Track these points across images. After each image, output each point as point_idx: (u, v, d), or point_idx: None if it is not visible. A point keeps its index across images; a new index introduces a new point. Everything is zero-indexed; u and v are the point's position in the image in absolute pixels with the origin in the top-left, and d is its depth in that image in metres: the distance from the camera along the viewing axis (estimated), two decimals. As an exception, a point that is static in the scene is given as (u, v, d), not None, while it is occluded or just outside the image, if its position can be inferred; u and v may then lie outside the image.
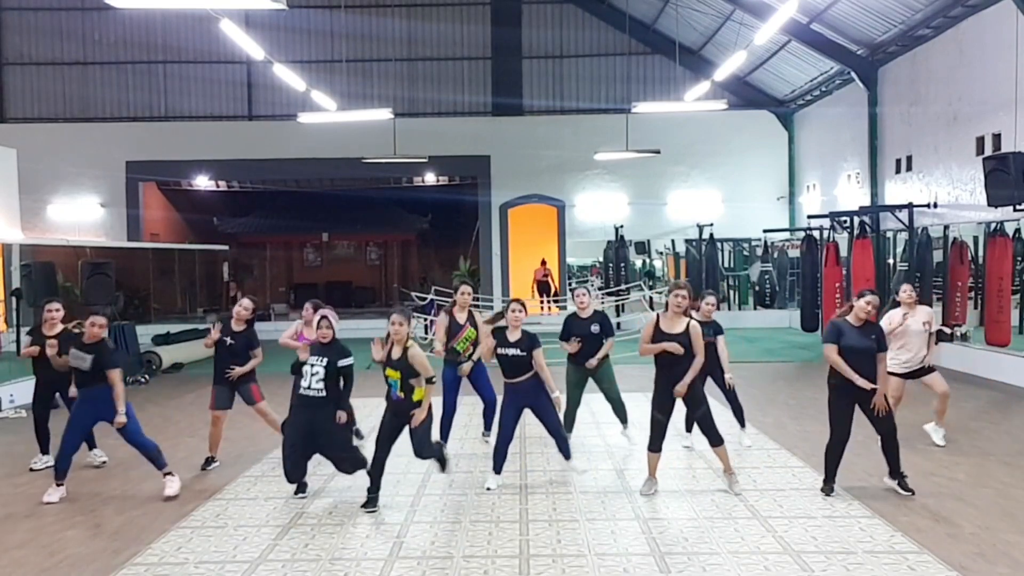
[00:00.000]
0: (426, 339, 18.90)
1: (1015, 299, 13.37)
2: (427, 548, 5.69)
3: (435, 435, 7.10)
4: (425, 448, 6.69)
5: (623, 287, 21.26)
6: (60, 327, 8.10)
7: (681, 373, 6.60)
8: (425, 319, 19.36)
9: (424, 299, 19.45)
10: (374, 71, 24.79)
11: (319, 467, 7.82)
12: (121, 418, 6.90)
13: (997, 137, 13.50)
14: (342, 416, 6.80)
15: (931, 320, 8.16)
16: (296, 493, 6.95)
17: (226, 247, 24.95)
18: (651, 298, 19.55)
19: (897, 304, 8.15)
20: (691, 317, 6.80)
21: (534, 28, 24.85)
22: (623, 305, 21.12)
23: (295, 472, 6.81)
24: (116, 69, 24.98)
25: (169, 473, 7.07)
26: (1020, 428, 9.33)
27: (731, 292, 23.16)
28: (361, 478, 7.01)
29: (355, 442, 7.76)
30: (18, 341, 15.11)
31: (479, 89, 24.96)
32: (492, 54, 24.88)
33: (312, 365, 6.66)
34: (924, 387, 8.24)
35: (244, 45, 14.52)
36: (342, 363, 6.69)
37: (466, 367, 8.08)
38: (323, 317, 6.85)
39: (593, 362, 7.95)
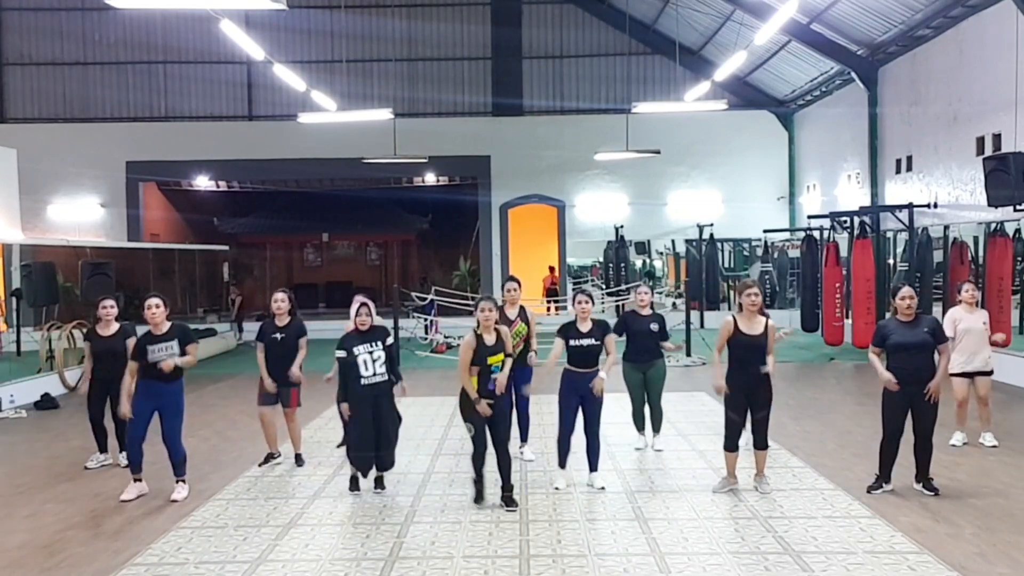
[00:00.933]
0: (426, 339, 18.96)
1: (1015, 299, 13.37)
2: (427, 548, 5.69)
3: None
4: (507, 438, 6.61)
5: (623, 287, 21.25)
6: (116, 326, 7.98)
7: (756, 372, 6.57)
8: (425, 319, 19.36)
9: (424, 299, 19.43)
10: (374, 71, 24.78)
11: (319, 468, 7.86)
12: (169, 362, 6.78)
13: (997, 137, 13.50)
14: (404, 388, 6.93)
15: (988, 321, 8.30)
16: (376, 488, 6.98)
17: (226, 247, 24.93)
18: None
19: (958, 304, 8.27)
20: (765, 315, 6.78)
21: (534, 28, 24.84)
22: (623, 305, 21.10)
23: (367, 464, 6.85)
24: (116, 69, 24.98)
25: (182, 481, 7.04)
26: (1020, 428, 9.34)
27: (731, 292, 23.14)
28: (363, 481, 7.02)
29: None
30: (18, 341, 15.14)
31: (479, 89, 24.96)
32: (492, 54, 24.88)
33: (370, 353, 6.72)
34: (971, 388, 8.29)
35: (244, 45, 14.53)
36: (390, 341, 6.92)
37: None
38: (363, 304, 6.86)
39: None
